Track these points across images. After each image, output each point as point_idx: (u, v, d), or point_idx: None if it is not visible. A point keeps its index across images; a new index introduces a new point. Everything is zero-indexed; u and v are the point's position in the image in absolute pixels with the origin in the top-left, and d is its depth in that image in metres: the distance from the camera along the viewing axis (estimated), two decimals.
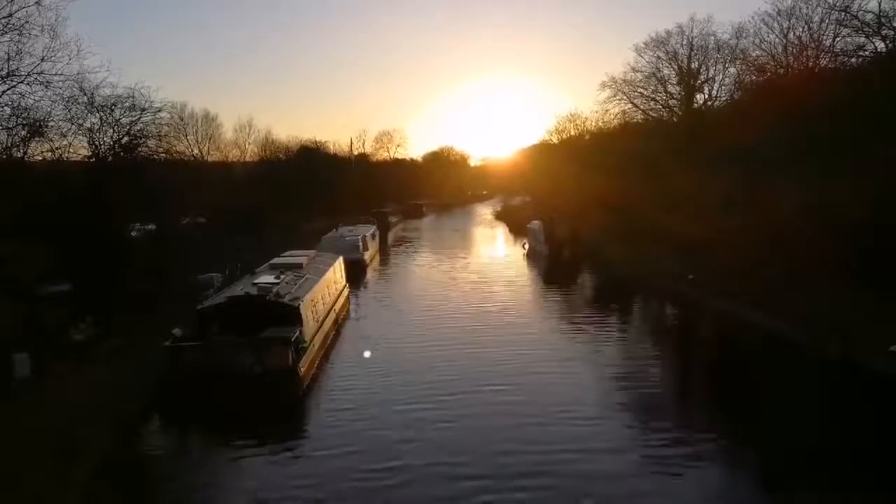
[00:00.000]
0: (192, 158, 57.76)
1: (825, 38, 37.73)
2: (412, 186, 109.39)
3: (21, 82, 23.82)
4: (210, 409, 18.81)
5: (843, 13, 32.27)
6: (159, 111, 30.45)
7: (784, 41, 40.36)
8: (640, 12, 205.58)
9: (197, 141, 64.45)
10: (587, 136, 71.29)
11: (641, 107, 54.55)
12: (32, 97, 24.48)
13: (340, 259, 36.65)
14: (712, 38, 49.05)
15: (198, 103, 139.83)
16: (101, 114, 28.71)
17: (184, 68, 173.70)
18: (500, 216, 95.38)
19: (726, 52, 47.88)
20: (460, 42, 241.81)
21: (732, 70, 48.10)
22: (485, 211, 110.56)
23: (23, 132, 25.32)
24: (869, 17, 30.71)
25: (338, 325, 30.05)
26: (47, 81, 24.07)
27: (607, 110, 57.20)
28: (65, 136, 27.43)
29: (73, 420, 16.81)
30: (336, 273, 33.82)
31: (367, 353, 25.84)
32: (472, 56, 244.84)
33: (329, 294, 29.99)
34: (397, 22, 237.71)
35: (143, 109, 29.43)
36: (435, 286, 41.34)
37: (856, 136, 26.66)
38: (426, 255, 58.33)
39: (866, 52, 31.59)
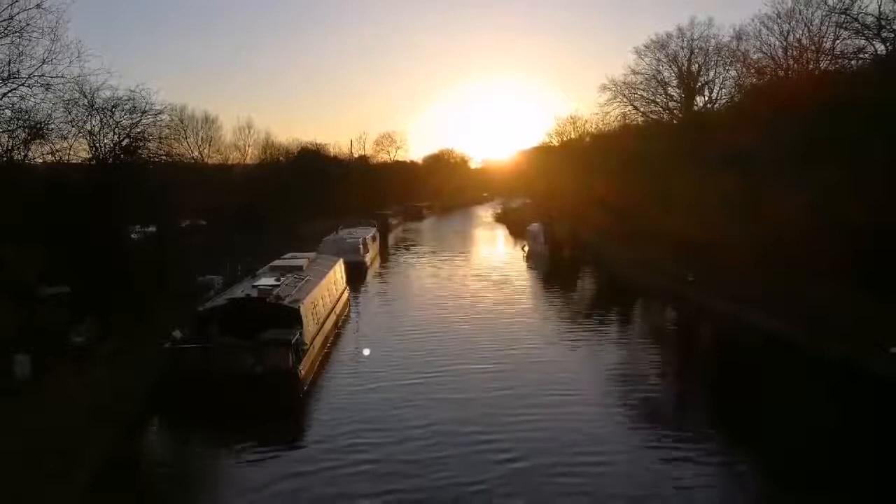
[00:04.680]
0: (193, 160, 57.59)
1: (825, 40, 37.86)
2: (412, 188, 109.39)
3: (22, 85, 23.80)
4: (210, 410, 18.78)
5: (843, 16, 32.35)
6: (160, 113, 30.32)
7: (784, 43, 40.50)
8: (640, 15, 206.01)
9: (197, 143, 64.33)
10: (587, 139, 71.31)
11: (641, 109, 54.66)
12: (33, 99, 24.50)
13: (341, 261, 36.66)
14: (712, 40, 49.24)
15: (197, 105, 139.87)
16: (102, 116, 28.64)
17: (184, 70, 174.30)
18: (500, 218, 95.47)
19: (726, 54, 48.04)
20: (460, 44, 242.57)
21: (732, 72, 48.28)
22: (485, 213, 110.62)
23: (23, 134, 25.30)
24: (869, 19, 30.81)
25: (338, 327, 30.04)
26: (48, 84, 24.06)
27: (607, 112, 57.30)
28: (65, 139, 27.41)
29: (73, 420, 16.80)
30: (336, 275, 33.82)
31: (366, 352, 25.92)
32: (472, 58, 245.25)
33: (329, 296, 29.99)
34: (397, 23, 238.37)
35: (143, 112, 29.31)
36: (435, 288, 41.35)
37: (856, 138, 26.66)
38: (426, 256, 58.34)
39: (866, 55, 31.71)
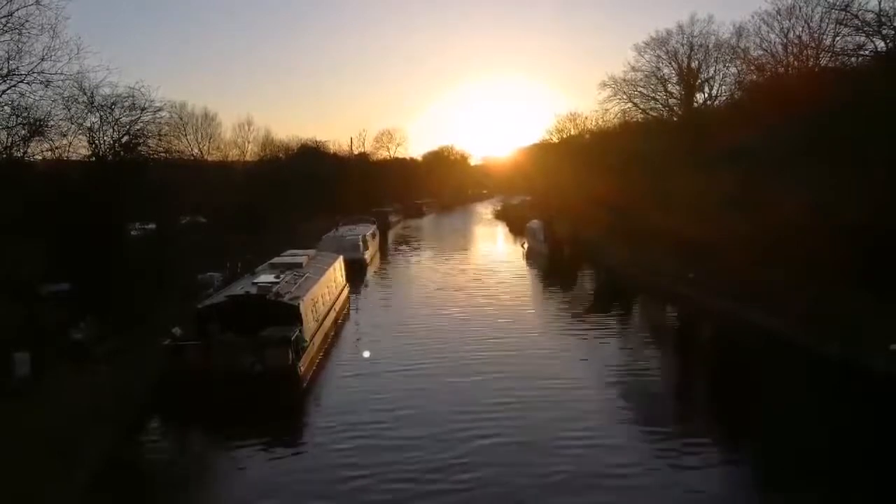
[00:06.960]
0: (192, 158, 57.49)
1: (825, 37, 37.71)
2: (412, 186, 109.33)
3: (21, 81, 23.71)
4: (210, 408, 18.80)
5: (844, 12, 32.16)
6: (159, 110, 30.31)
7: (784, 40, 40.35)
8: (640, 12, 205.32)
9: (197, 140, 64.26)
10: (587, 136, 71.18)
11: (641, 106, 54.39)
12: (32, 96, 24.35)
13: (340, 258, 36.66)
14: (713, 37, 48.97)
15: (197, 102, 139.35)
16: (101, 113, 28.61)
17: (183, 67, 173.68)
18: (499, 215, 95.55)
19: (726, 51, 47.79)
20: (460, 41, 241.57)
21: (732, 69, 48.01)
22: (485, 210, 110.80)
23: (23, 131, 25.20)
24: (869, 16, 30.63)
25: (338, 324, 30.04)
26: (47, 81, 23.95)
27: (607, 110, 56.99)
28: (65, 136, 27.31)
29: (73, 420, 16.78)
30: (336, 272, 33.82)
31: (366, 354, 25.85)
32: (472, 56, 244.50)
33: (329, 293, 29.99)
34: (397, 21, 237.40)
35: (142, 109, 29.30)
36: (435, 285, 41.35)
37: (856, 135, 26.61)
38: (426, 254, 58.39)
39: (866, 52, 31.56)
